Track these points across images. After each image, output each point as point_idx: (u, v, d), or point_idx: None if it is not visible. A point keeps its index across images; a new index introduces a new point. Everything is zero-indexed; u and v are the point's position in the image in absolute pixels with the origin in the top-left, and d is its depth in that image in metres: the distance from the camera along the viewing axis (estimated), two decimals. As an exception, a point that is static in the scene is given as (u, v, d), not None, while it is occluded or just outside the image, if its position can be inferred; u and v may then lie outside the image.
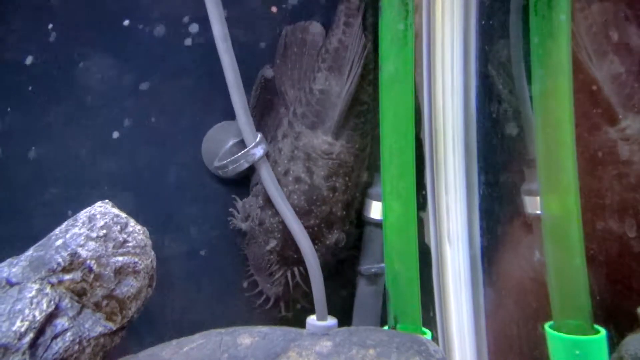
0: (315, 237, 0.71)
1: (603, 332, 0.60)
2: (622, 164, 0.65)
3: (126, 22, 0.73)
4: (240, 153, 0.71)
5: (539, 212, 0.67)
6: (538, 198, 0.67)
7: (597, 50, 0.67)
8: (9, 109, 0.72)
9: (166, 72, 0.74)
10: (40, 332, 0.54)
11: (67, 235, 0.58)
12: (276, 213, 0.71)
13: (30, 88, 0.72)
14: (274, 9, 0.76)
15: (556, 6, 0.60)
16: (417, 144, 0.66)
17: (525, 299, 0.72)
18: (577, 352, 0.59)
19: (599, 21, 0.67)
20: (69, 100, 0.73)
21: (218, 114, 0.75)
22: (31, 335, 0.53)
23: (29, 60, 0.72)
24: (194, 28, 0.74)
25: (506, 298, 0.73)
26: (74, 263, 0.57)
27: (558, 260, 0.61)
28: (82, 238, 0.58)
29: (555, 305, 0.62)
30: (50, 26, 0.72)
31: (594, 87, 0.66)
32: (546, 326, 0.62)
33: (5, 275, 0.57)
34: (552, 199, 0.62)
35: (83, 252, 0.57)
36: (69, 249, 0.57)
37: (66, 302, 0.56)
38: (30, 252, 0.59)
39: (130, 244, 0.60)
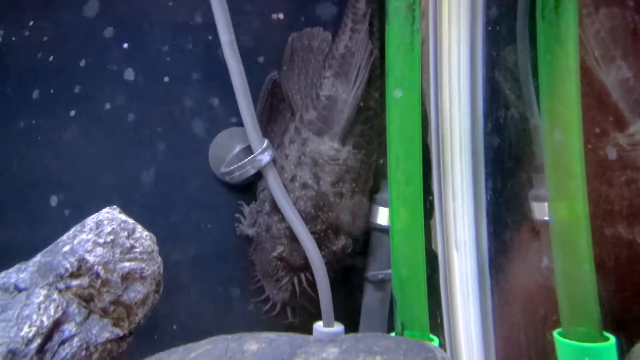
0: (322, 243, 0.71)
1: (612, 339, 0.60)
2: (631, 170, 0.65)
3: (132, 28, 0.73)
4: (247, 159, 0.71)
5: (547, 218, 0.67)
6: (546, 204, 0.67)
7: (604, 55, 0.66)
8: (17, 115, 0.73)
9: (173, 78, 0.74)
10: (48, 337, 0.54)
11: (75, 241, 0.58)
12: (283, 219, 0.71)
13: (37, 94, 0.73)
14: (280, 16, 0.76)
15: (563, 12, 0.60)
16: (424, 149, 0.66)
17: (534, 306, 0.71)
18: (587, 359, 0.59)
19: (607, 26, 0.67)
20: (77, 106, 0.73)
21: (225, 120, 0.75)
22: (39, 340, 0.53)
23: (36, 64, 0.72)
24: (201, 34, 0.74)
25: (514, 305, 0.72)
26: (81, 269, 0.57)
27: (567, 266, 0.61)
28: (90, 244, 0.58)
29: (564, 312, 0.61)
30: (58, 27, 0.73)
31: (602, 93, 0.66)
32: (555, 333, 0.62)
33: (13, 280, 0.57)
34: (560, 204, 0.62)
35: (90, 258, 0.57)
36: (76, 255, 0.57)
37: (73, 308, 0.56)
38: (38, 257, 0.59)
39: (137, 250, 0.60)
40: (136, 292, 0.60)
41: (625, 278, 0.66)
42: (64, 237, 0.60)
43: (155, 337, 0.71)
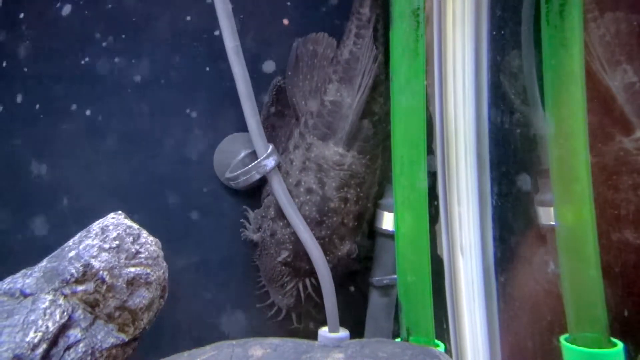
0: (326, 249, 0.71)
1: (620, 345, 0.59)
2: (637, 174, 0.64)
3: (137, 31, 0.74)
4: (251, 164, 0.71)
5: (553, 222, 0.67)
6: (552, 209, 0.67)
7: (610, 59, 0.66)
8: (21, 123, 0.73)
9: (177, 84, 0.75)
10: (53, 343, 0.54)
11: (81, 247, 0.58)
12: (288, 224, 0.71)
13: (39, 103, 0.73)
14: (285, 21, 0.76)
15: (568, 16, 0.60)
16: (428, 154, 0.66)
17: (540, 311, 0.71)
18: (594, 365, 0.58)
19: (612, 30, 0.67)
20: (81, 112, 0.74)
21: (230, 125, 0.75)
22: (44, 346, 0.53)
23: (39, 70, 0.73)
24: (205, 39, 0.75)
25: (520, 310, 0.72)
26: (87, 274, 0.57)
27: (573, 271, 0.61)
28: (95, 249, 0.58)
29: (570, 318, 0.61)
30: (58, 32, 0.73)
31: (608, 97, 0.66)
32: (562, 339, 0.61)
33: (19, 286, 0.57)
34: (566, 209, 0.61)
35: (96, 263, 0.57)
36: (82, 260, 0.57)
37: (79, 313, 0.56)
38: (44, 263, 0.59)
39: (142, 255, 0.61)
40: (141, 297, 0.60)
41: (633, 283, 0.65)
42: (70, 242, 0.60)
43: (160, 342, 0.71)
